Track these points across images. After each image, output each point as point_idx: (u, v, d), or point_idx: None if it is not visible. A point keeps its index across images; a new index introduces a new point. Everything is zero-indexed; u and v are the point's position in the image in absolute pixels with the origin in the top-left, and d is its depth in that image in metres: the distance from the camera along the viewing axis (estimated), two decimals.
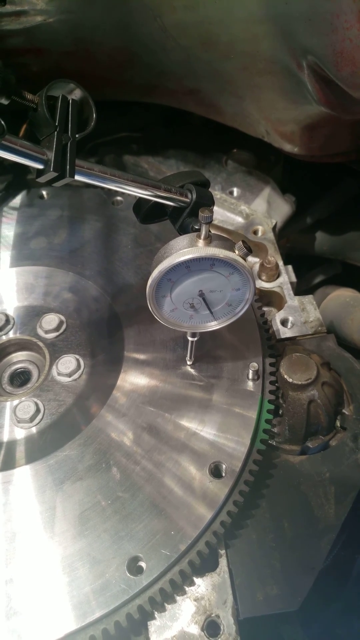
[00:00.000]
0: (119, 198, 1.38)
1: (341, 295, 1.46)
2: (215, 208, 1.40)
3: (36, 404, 1.00)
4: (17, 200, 1.40)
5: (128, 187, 0.80)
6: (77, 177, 0.74)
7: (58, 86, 0.75)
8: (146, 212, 0.91)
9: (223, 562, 0.86)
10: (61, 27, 1.28)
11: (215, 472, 0.89)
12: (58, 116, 0.72)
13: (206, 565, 0.85)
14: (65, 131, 0.73)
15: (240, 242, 0.79)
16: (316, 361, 0.99)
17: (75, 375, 1.04)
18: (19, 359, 1.14)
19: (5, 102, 0.69)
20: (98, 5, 1.20)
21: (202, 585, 0.83)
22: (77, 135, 0.74)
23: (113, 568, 0.79)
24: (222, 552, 0.87)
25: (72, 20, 1.26)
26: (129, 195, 1.37)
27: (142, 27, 1.17)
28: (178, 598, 0.82)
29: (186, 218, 0.86)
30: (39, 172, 0.73)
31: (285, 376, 0.96)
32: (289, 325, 1.19)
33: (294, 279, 1.31)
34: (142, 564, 0.80)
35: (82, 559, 0.80)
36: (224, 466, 0.89)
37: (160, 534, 0.82)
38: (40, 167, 0.72)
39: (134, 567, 0.80)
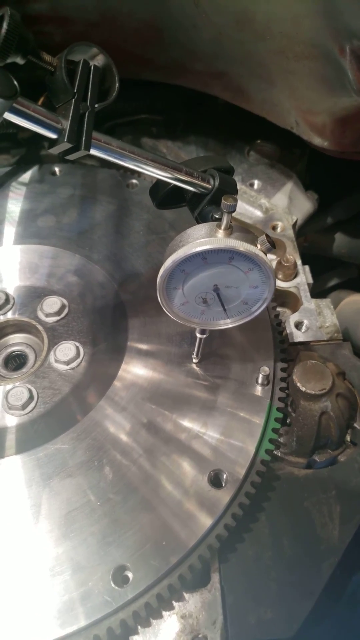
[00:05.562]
0: (134, 181, 1.31)
1: (358, 301, 1.39)
2: None
3: (30, 391, 0.94)
4: (27, 176, 1.34)
5: (147, 167, 0.74)
6: (92, 152, 0.68)
7: (80, 50, 0.68)
8: (164, 196, 0.84)
9: (215, 578, 0.80)
10: None
11: (215, 481, 0.83)
12: (77, 82, 0.66)
13: (197, 580, 0.79)
14: (84, 99, 0.66)
15: (264, 236, 0.72)
16: (332, 370, 0.92)
17: (74, 364, 0.98)
18: (16, 341, 1.07)
19: (21, 61, 0.62)
20: None
21: (190, 602, 0.78)
22: (96, 105, 0.67)
23: (97, 576, 0.73)
24: (216, 566, 0.82)
25: None
26: (144, 179, 1.33)
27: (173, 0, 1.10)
28: (164, 613, 0.76)
29: (206, 205, 0.80)
30: (52, 142, 0.66)
31: (298, 384, 0.90)
32: (304, 328, 1.13)
33: (310, 279, 1.25)
34: (129, 574, 0.74)
35: (64, 563, 0.75)
36: (224, 475, 0.83)
37: (151, 543, 0.76)
38: (54, 136, 0.66)
39: (119, 576, 0.74)
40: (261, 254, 0.72)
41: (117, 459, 0.86)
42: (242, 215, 1.35)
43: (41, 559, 0.76)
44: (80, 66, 0.66)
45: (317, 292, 1.62)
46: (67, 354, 0.98)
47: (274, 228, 1.32)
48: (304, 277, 1.22)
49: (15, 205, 1.25)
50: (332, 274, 1.77)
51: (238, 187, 1.39)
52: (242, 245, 0.71)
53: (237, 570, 0.82)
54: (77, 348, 1.00)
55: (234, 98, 1.33)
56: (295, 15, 0.87)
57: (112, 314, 1.07)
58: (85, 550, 0.76)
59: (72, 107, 0.64)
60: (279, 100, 1.16)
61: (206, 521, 0.78)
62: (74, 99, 0.65)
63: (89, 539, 0.77)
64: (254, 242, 0.72)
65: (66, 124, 0.64)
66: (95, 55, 0.69)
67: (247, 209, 1.37)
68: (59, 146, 0.65)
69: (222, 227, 0.71)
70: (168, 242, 0.75)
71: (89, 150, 0.66)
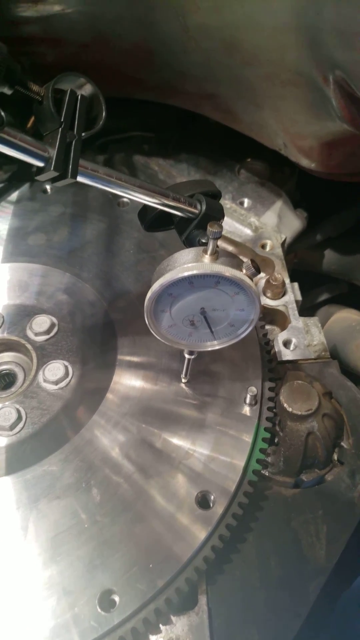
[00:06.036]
0: (125, 200, 1.32)
1: (347, 317, 1.40)
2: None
3: (18, 411, 0.94)
4: (18, 193, 1.35)
5: (134, 193, 0.75)
6: (79, 179, 0.69)
7: (67, 79, 0.69)
8: (151, 219, 0.85)
9: (203, 600, 0.80)
10: (80, 19, 1.23)
11: (202, 503, 0.84)
12: (64, 111, 0.67)
13: (184, 602, 0.79)
14: (71, 128, 0.68)
15: (249, 261, 0.74)
16: (318, 390, 0.93)
17: (62, 384, 0.98)
18: (5, 360, 1.08)
19: (8, 92, 0.64)
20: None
21: (177, 625, 0.78)
22: (83, 134, 0.69)
23: (83, 601, 0.73)
24: (203, 588, 0.82)
25: (91, 13, 1.21)
26: None
27: (164, 25, 1.12)
28: (151, 637, 0.76)
29: (193, 230, 0.81)
30: (39, 170, 0.68)
31: (285, 405, 0.91)
32: (292, 347, 1.14)
33: (299, 297, 1.26)
34: (115, 597, 0.74)
35: (51, 588, 0.74)
36: (212, 496, 0.84)
37: (138, 566, 0.77)
38: (41, 164, 0.67)
39: (106, 601, 0.74)
40: (246, 279, 0.73)
41: (105, 481, 0.86)
42: (232, 234, 1.37)
43: (28, 584, 0.76)
44: (68, 96, 0.67)
45: (308, 306, 1.64)
46: (55, 374, 0.99)
47: (263, 246, 1.34)
48: (292, 295, 1.23)
49: (5, 223, 1.26)
50: (322, 289, 1.78)
51: (228, 206, 1.42)
52: (227, 271, 0.72)
53: (225, 592, 0.82)
54: (66, 367, 1.00)
55: (224, 119, 1.35)
56: (281, 45, 0.89)
57: (102, 332, 1.07)
58: (72, 574, 0.76)
59: (59, 135, 0.65)
60: (266, 123, 1.18)
61: (193, 543, 0.79)
62: (61, 128, 0.66)
63: (76, 562, 0.77)
64: (239, 267, 0.73)
65: (53, 153, 0.65)
66: (83, 84, 0.70)
67: (237, 227, 1.39)
68: (45, 174, 0.66)
69: (209, 253, 0.72)
70: (158, 261, 0.76)
71: (75, 179, 0.67)
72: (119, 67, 1.33)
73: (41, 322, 1.07)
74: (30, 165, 1.51)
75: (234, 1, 0.88)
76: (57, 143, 0.65)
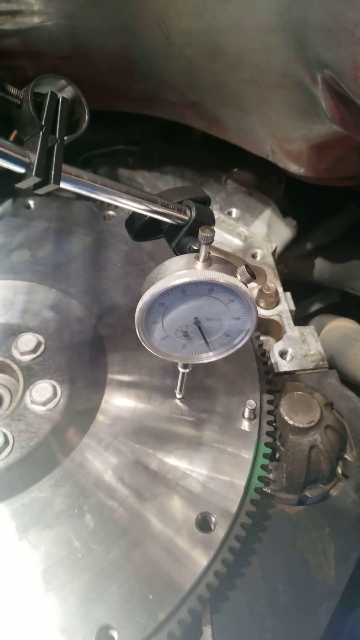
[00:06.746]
0: (111, 212, 1.29)
1: (342, 326, 1.37)
2: None
3: (5, 435, 0.89)
4: (1, 209, 1.31)
5: (121, 199, 0.71)
6: (63, 185, 0.65)
7: (47, 82, 0.66)
8: (140, 228, 0.82)
9: (207, 632, 0.75)
10: (59, 31, 1.21)
11: (203, 525, 0.79)
12: (45, 115, 0.63)
13: (188, 634, 0.74)
14: (53, 132, 0.64)
15: (243, 267, 0.70)
16: (319, 401, 0.89)
17: (51, 405, 0.93)
18: None
19: None
20: (99, 10, 1.12)
21: None
22: (65, 138, 0.65)
23: (79, 639, 0.67)
24: (207, 618, 0.76)
25: (71, 24, 1.19)
26: (122, 209, 1.31)
27: (145, 34, 1.10)
28: None
29: (184, 237, 0.77)
30: (20, 177, 0.64)
31: (286, 417, 0.87)
32: (288, 357, 1.10)
33: (293, 306, 1.23)
34: (114, 633, 0.69)
35: (43, 626, 0.69)
36: (212, 518, 0.79)
37: (137, 597, 0.71)
38: (22, 170, 0.63)
39: (104, 638, 0.68)
40: (242, 285, 0.69)
41: (99, 506, 0.81)
42: (221, 244, 1.34)
43: (18, 622, 0.70)
44: (48, 98, 0.64)
45: (300, 317, 1.61)
46: (43, 394, 0.94)
47: (254, 256, 1.31)
48: (286, 304, 1.20)
49: None
50: (314, 299, 1.75)
51: (216, 216, 1.39)
52: (221, 277, 0.68)
53: (230, 621, 0.77)
54: (54, 387, 0.95)
55: (210, 127, 1.33)
56: (266, 46, 0.87)
57: (91, 349, 1.03)
58: (66, 609, 0.70)
59: (39, 140, 0.62)
60: (254, 129, 1.16)
61: (195, 570, 0.74)
62: (41, 132, 0.62)
63: (70, 596, 0.71)
64: (233, 273, 0.70)
65: (34, 158, 0.61)
66: (64, 87, 0.67)
67: (226, 238, 1.36)
68: (27, 180, 0.62)
69: (201, 259, 0.69)
70: (147, 273, 0.73)
71: (58, 184, 0.63)
72: (101, 79, 1.31)
73: (27, 341, 1.02)
74: (12, 181, 1.49)
75: (216, 3, 0.86)
76: (38, 147, 0.61)
